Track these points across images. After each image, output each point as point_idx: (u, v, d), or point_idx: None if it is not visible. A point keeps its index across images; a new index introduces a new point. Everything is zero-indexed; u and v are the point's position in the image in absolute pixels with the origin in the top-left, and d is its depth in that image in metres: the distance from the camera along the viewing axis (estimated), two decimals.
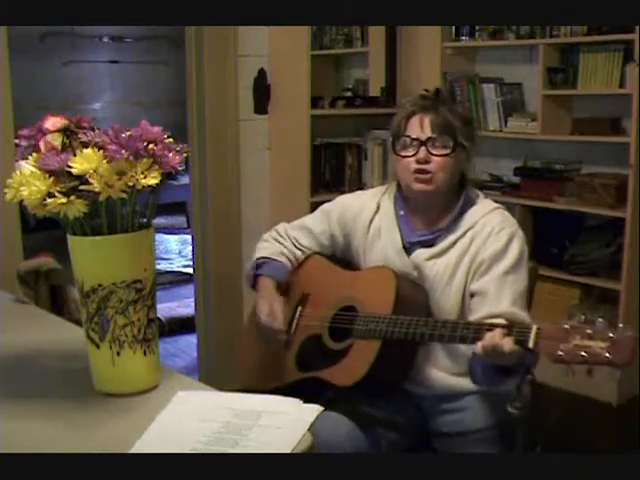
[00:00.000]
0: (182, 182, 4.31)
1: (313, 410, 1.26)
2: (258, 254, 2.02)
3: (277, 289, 1.95)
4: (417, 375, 1.82)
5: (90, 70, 7.03)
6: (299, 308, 1.95)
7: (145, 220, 1.35)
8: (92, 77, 7.06)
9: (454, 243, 1.82)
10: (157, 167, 1.28)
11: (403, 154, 1.82)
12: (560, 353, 1.44)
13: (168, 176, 1.31)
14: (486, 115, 3.85)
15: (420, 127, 1.81)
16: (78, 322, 1.52)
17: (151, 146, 1.28)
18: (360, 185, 3.86)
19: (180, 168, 1.31)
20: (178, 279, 5.36)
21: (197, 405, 1.30)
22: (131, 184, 1.25)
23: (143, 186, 1.26)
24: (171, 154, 1.30)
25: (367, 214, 1.94)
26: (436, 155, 1.79)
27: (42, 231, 3.48)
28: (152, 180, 1.26)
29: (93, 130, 1.31)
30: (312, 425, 1.22)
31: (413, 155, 1.80)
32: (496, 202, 1.90)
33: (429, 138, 1.80)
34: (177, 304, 4.58)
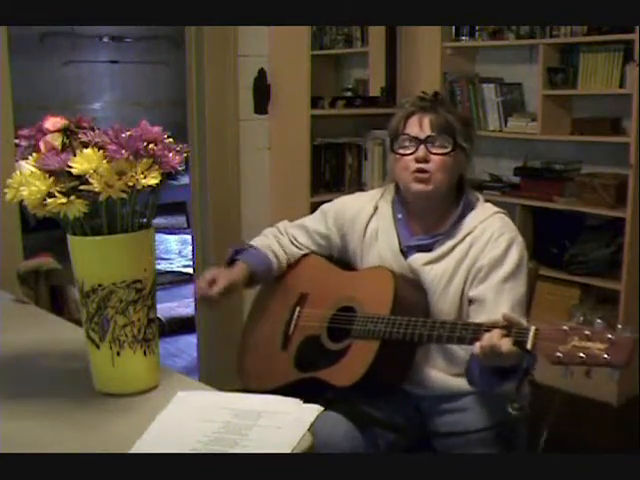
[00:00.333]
0: (182, 182, 4.30)
1: (313, 410, 1.26)
2: (250, 242, 2.03)
3: (244, 275, 1.92)
4: (416, 375, 1.82)
5: (90, 70, 7.02)
6: (297, 308, 1.95)
7: (145, 220, 1.35)
8: (92, 77, 7.05)
9: (452, 248, 1.81)
10: (157, 167, 1.28)
11: (402, 152, 1.81)
12: (559, 354, 1.43)
13: (168, 176, 1.31)
14: (486, 115, 3.85)
15: (419, 126, 1.80)
16: (78, 322, 1.52)
17: (151, 146, 1.28)
18: (360, 185, 3.86)
19: (180, 168, 1.31)
20: (178, 279, 5.35)
21: (197, 405, 1.30)
22: (131, 184, 1.25)
23: (143, 186, 1.26)
24: (171, 154, 1.30)
25: (364, 216, 1.93)
26: (435, 154, 1.78)
27: (42, 231, 3.47)
28: (152, 180, 1.26)
29: (93, 130, 1.31)
30: (312, 425, 1.22)
31: (412, 153, 1.79)
32: (496, 203, 1.89)
33: (428, 137, 1.79)
34: (177, 304, 4.57)
